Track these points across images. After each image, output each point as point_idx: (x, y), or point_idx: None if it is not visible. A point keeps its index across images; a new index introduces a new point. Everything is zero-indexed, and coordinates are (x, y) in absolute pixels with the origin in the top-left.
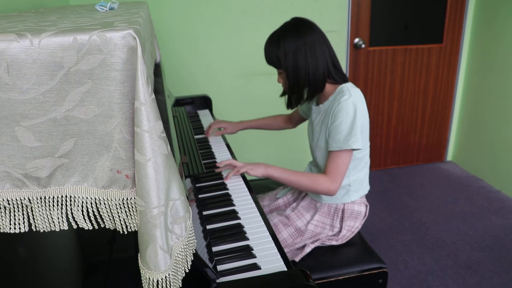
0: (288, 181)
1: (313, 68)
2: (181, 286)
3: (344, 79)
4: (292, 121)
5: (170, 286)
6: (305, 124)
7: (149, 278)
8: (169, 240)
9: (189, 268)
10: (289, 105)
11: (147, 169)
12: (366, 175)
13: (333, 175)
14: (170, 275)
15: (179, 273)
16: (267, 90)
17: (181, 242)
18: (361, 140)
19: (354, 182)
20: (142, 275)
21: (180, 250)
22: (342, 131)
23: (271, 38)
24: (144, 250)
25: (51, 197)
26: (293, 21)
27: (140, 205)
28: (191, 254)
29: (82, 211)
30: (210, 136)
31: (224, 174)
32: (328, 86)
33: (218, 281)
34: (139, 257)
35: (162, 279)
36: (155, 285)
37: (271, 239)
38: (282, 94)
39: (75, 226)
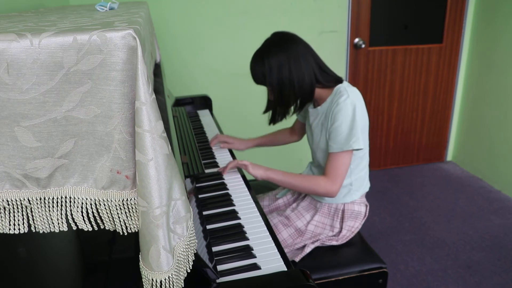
0: (288, 184)
1: (299, 80)
2: (183, 286)
3: (337, 80)
4: (296, 132)
5: (173, 286)
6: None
7: (152, 279)
8: (171, 240)
9: (191, 268)
10: (272, 120)
11: (149, 169)
12: (366, 173)
13: (333, 176)
14: (173, 275)
15: (181, 273)
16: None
17: (182, 242)
18: (362, 140)
19: (356, 181)
20: (144, 276)
21: (182, 250)
22: (343, 132)
23: (255, 56)
24: (146, 251)
25: (51, 198)
26: (274, 36)
27: (142, 206)
28: (193, 254)
29: (82, 212)
30: (214, 146)
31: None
32: (322, 90)
33: (218, 281)
34: (140, 258)
35: (165, 280)
36: (158, 285)
37: (271, 239)
38: (266, 111)
39: (74, 227)
